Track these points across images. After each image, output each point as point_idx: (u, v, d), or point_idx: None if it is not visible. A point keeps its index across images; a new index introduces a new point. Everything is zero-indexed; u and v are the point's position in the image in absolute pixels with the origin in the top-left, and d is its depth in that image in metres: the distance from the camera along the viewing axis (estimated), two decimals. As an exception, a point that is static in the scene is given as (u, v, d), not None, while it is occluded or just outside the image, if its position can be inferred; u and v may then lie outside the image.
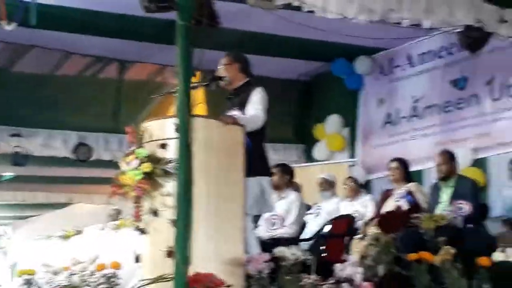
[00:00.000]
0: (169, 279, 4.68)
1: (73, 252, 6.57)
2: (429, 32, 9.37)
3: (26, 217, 15.68)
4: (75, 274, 6.04)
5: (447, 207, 6.89)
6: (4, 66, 10.17)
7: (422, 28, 7.42)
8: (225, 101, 6.12)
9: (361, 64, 11.10)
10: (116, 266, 5.62)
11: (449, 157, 7.22)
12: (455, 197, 6.92)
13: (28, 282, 6.34)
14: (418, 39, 10.15)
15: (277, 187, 7.56)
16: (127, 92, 10.91)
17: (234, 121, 5.49)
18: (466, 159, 9.18)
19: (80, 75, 10.74)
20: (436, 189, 7.26)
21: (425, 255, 5.85)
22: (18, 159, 10.66)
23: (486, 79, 9.47)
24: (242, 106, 5.87)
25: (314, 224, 7.96)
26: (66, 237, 7.60)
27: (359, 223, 7.80)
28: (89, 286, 5.81)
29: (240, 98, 5.93)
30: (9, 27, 6.68)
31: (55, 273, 6.22)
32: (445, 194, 7.08)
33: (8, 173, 12.41)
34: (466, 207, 6.73)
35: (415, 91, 10.47)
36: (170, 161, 4.99)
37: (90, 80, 10.83)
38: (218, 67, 6.09)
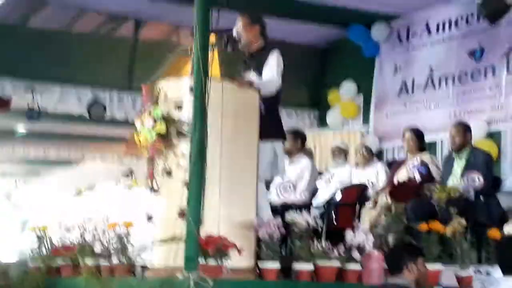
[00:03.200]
0: (181, 240, 4.71)
1: (85, 210, 6.58)
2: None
3: (39, 173, 15.73)
4: (87, 231, 6.06)
5: (460, 179, 6.88)
6: (19, 21, 10.17)
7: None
8: (239, 63, 6.05)
9: (378, 31, 10.97)
10: (128, 225, 5.63)
11: (463, 129, 7.18)
12: (468, 169, 6.91)
13: (40, 238, 6.35)
14: (436, 6, 10.03)
15: (289, 152, 7.54)
16: (142, 51, 10.87)
17: (250, 85, 5.47)
18: (480, 131, 9.12)
19: (95, 32, 10.74)
20: (449, 161, 7.23)
21: (436, 225, 5.84)
22: (32, 114, 10.65)
23: (503, 51, 9.34)
24: (258, 69, 5.82)
25: (325, 191, 7.95)
26: (78, 192, 7.61)
27: (370, 192, 7.79)
28: (101, 244, 5.83)
29: (257, 62, 5.87)
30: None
31: (68, 230, 6.24)
32: (458, 165, 7.05)
33: (22, 129, 12.43)
34: (478, 179, 6.71)
35: (431, 60, 10.34)
36: (184, 123, 4.99)
37: (105, 38, 10.82)
38: (235, 28, 5.92)
